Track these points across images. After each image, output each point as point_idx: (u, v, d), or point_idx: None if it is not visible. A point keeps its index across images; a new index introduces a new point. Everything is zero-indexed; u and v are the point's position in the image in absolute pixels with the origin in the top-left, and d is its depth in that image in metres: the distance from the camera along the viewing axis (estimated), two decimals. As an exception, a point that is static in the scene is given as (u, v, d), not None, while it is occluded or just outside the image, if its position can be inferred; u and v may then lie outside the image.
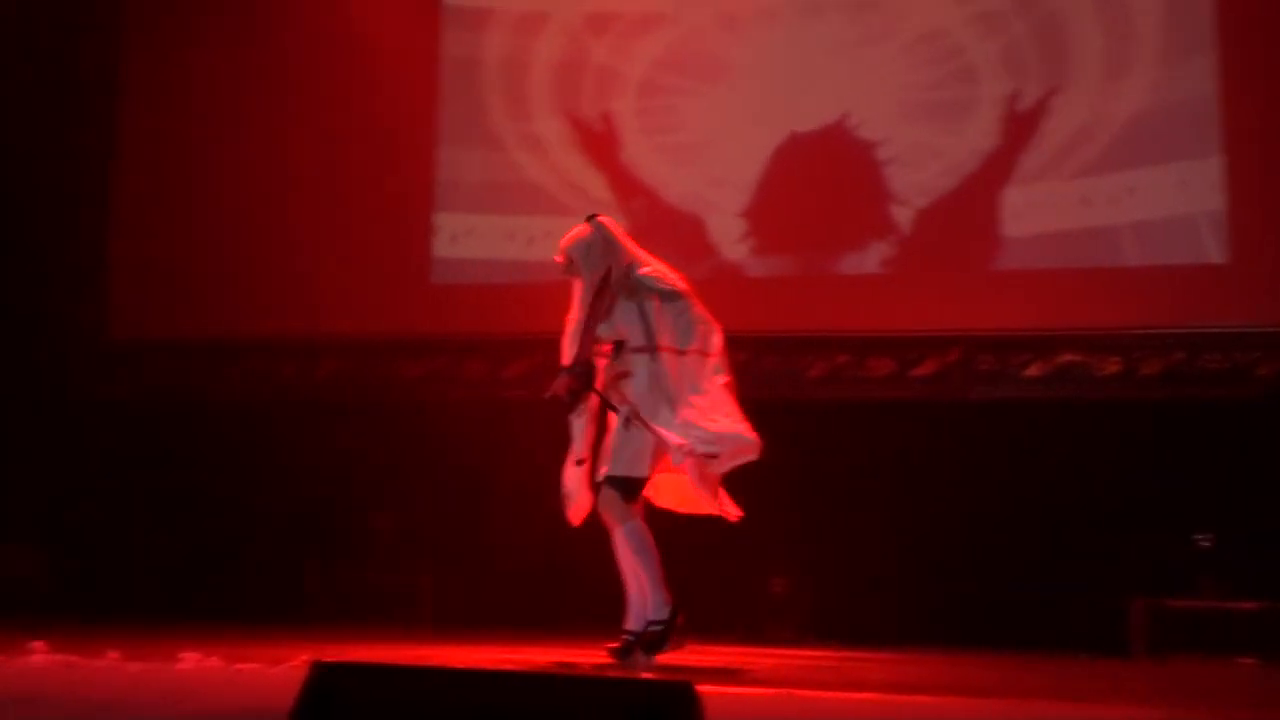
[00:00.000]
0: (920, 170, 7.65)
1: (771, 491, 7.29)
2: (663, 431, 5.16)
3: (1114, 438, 7.15)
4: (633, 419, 5.18)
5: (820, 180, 7.78)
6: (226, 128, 8.37)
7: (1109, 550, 6.86)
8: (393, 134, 8.21)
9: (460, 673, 3.46)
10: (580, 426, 5.31)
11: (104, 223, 8.60)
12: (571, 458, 5.31)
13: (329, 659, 3.18)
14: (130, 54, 8.67)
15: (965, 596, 7.00)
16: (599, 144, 8.05)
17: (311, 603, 7.58)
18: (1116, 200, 7.39)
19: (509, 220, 8.08)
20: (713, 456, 5.21)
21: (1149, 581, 6.73)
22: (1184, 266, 7.29)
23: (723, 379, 5.32)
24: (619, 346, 5.29)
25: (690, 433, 5.17)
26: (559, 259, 5.39)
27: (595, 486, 5.27)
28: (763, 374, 7.59)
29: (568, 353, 5.32)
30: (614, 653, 5.20)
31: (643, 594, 5.26)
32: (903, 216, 7.67)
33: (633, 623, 5.27)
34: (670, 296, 5.31)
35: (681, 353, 5.27)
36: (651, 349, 5.25)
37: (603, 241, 5.34)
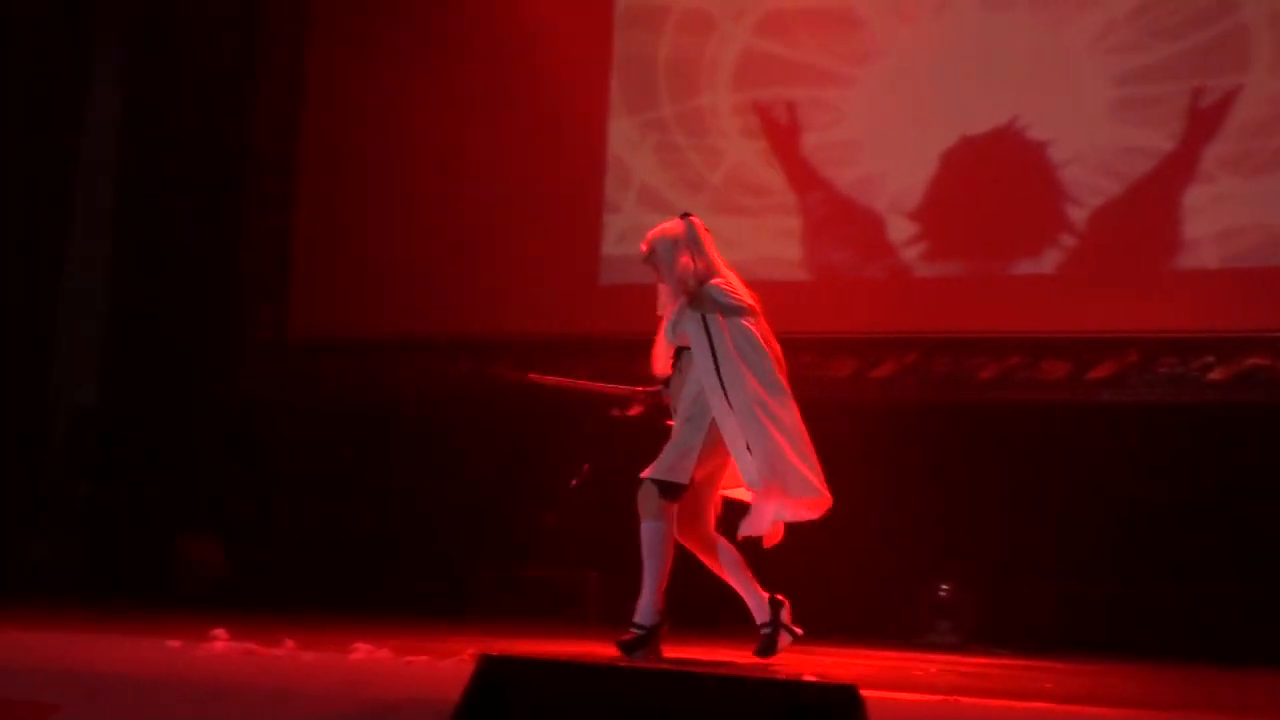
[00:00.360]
0: (1097, 169, 7.46)
1: (939, 493, 7.22)
2: (739, 453, 5.14)
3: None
4: (687, 428, 5.19)
5: (994, 181, 7.64)
6: (403, 131, 8.53)
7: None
8: (563, 134, 8.29)
9: (625, 670, 3.48)
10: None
11: (287, 225, 8.84)
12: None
13: (496, 653, 3.22)
14: (312, 60, 8.90)
15: (1146, 604, 6.81)
16: (777, 138, 8.01)
17: (480, 597, 7.69)
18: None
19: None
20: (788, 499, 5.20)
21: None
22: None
23: (791, 402, 5.26)
24: (680, 354, 5.32)
25: (778, 470, 5.14)
26: (644, 248, 5.41)
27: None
28: (933, 375, 7.49)
29: (658, 360, 5.38)
30: (621, 645, 5.21)
31: (751, 593, 5.35)
32: (1077, 216, 7.50)
33: (758, 616, 5.34)
34: (734, 311, 5.28)
35: (744, 367, 5.22)
36: (713, 361, 5.21)
37: (689, 241, 5.34)
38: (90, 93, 8.85)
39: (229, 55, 8.86)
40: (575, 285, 8.24)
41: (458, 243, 8.35)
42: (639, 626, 5.36)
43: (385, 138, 8.59)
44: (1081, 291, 7.43)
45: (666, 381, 5.43)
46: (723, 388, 5.17)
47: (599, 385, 5.76)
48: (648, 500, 5.31)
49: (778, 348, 5.35)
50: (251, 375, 8.77)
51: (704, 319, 5.26)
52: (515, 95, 8.36)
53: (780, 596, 5.38)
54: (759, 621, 5.39)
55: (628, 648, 5.33)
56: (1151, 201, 7.39)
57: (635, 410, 5.49)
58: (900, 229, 7.77)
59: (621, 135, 8.26)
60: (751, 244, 7.86)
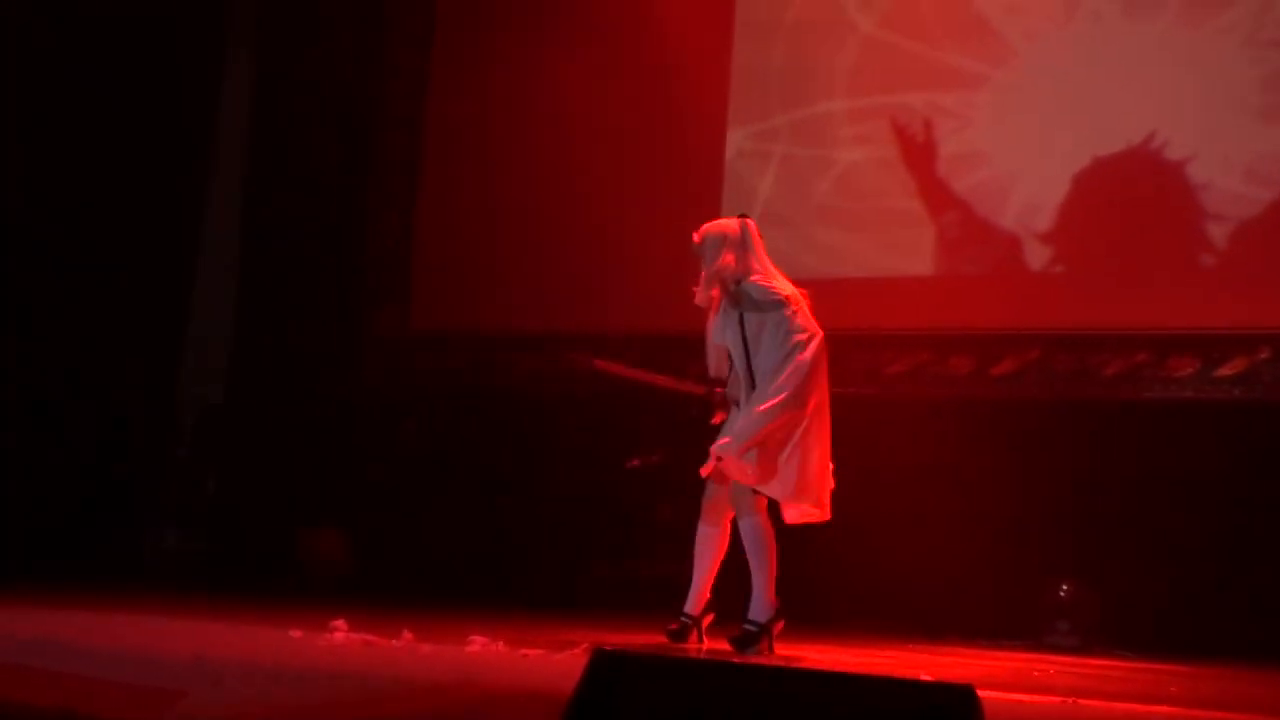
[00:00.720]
0: (1240, 179, 7.21)
1: (1060, 491, 7.10)
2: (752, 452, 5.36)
3: None
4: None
5: (1131, 198, 7.42)
6: (523, 131, 8.59)
7: None
8: (684, 135, 8.26)
9: (739, 667, 3.48)
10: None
11: (409, 222, 8.95)
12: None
13: (610, 646, 3.23)
14: (436, 61, 9.00)
15: (1277, 607, 6.63)
16: (907, 145, 7.89)
17: (594, 590, 7.72)
18: None
19: (794, 229, 8.03)
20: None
21: None
22: None
23: (818, 407, 5.42)
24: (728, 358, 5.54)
25: (784, 475, 5.38)
26: (696, 239, 5.59)
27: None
28: (1055, 372, 7.37)
29: (711, 361, 5.64)
30: (734, 641, 5.40)
31: (702, 588, 5.56)
32: (1217, 232, 7.26)
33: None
34: (770, 306, 5.42)
35: (776, 372, 5.36)
36: (746, 362, 5.41)
37: (738, 242, 5.53)
38: (220, 96, 9.03)
39: (355, 56, 8.99)
40: (690, 284, 8.20)
41: (577, 240, 8.39)
42: (752, 623, 5.41)
43: (506, 137, 8.65)
44: (1211, 287, 7.25)
45: (722, 381, 5.62)
46: (753, 388, 5.36)
47: (665, 379, 5.94)
48: (740, 499, 5.48)
49: (820, 334, 5.47)
50: (373, 370, 8.89)
51: (740, 319, 5.45)
52: (638, 90, 8.35)
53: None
54: (693, 612, 5.59)
55: (740, 644, 5.38)
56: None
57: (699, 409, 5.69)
58: (1033, 248, 7.57)
59: (739, 139, 8.22)
60: (866, 248, 7.78)
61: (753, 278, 5.51)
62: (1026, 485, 7.02)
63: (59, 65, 8.26)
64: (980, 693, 2.83)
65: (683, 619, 5.61)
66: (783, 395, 5.34)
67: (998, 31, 7.74)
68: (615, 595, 7.55)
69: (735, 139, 8.24)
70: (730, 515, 5.58)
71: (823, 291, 7.66)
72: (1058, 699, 4.47)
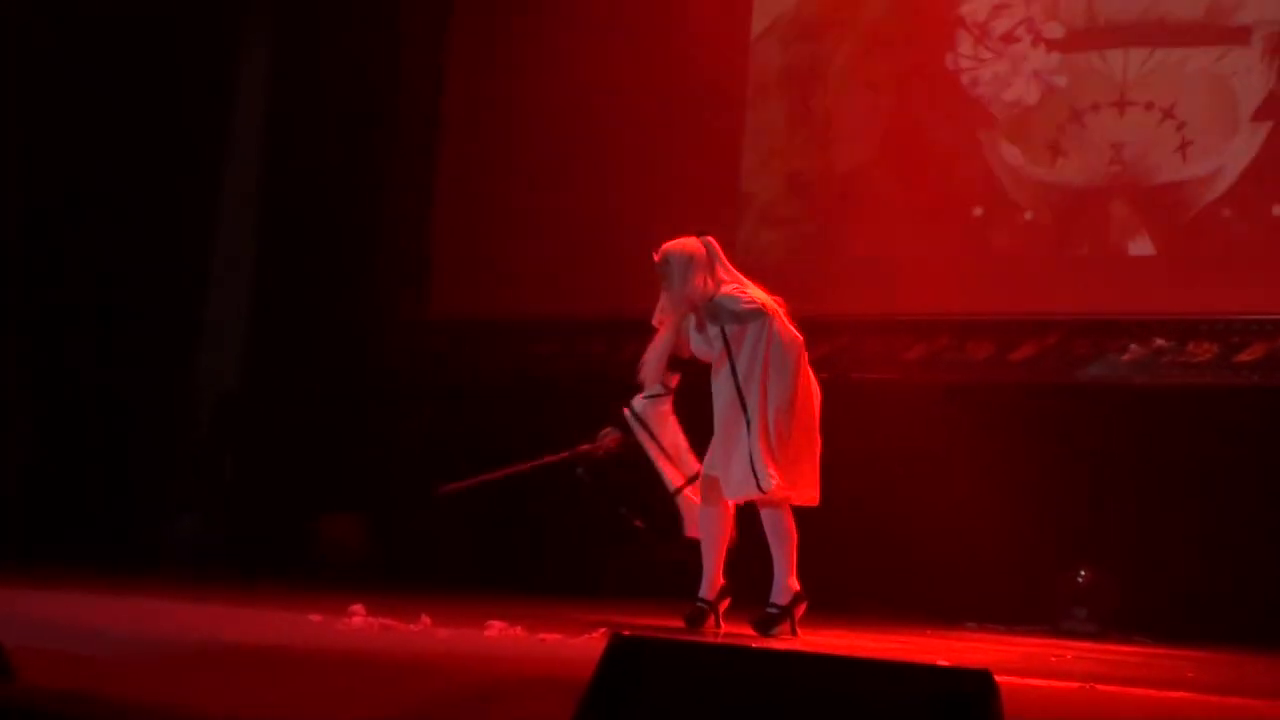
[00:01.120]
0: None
1: (1077, 477, 7.08)
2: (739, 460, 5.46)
3: None
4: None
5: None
6: (543, 111, 8.58)
7: None
8: (702, 119, 8.23)
9: (758, 651, 3.48)
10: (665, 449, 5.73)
11: (428, 205, 8.96)
12: (681, 477, 5.72)
13: (628, 631, 3.23)
14: (455, 42, 8.98)
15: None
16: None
17: (611, 576, 7.73)
18: None
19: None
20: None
21: None
22: None
23: (803, 406, 5.51)
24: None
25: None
26: (657, 258, 5.63)
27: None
28: (1074, 358, 7.35)
29: (650, 371, 5.73)
30: (756, 624, 5.49)
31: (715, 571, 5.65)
32: (1237, 218, 7.23)
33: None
34: (748, 317, 5.48)
35: (761, 380, 5.44)
36: (732, 373, 5.47)
37: (704, 263, 5.58)
38: (237, 80, 9.04)
39: (372, 39, 8.98)
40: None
41: (595, 224, 8.37)
42: (774, 606, 5.46)
43: (523, 121, 8.64)
44: (1230, 272, 7.23)
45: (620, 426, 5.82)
46: (740, 400, 5.43)
47: (529, 466, 6.03)
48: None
49: (799, 338, 5.56)
50: (391, 355, 8.91)
51: (723, 331, 5.51)
52: (660, 78, 8.31)
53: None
54: (708, 596, 5.67)
55: (762, 627, 5.43)
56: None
57: (597, 456, 5.93)
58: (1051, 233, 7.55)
59: (759, 121, 8.19)
60: (884, 232, 7.77)
61: (725, 289, 5.59)
62: (1044, 470, 7.01)
63: (80, 61, 8.34)
64: (997, 678, 2.83)
65: (699, 604, 5.63)
66: (775, 408, 5.44)
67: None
68: (634, 581, 7.55)
69: (754, 121, 8.21)
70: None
71: (834, 276, 7.72)
72: (1075, 684, 4.47)
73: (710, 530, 5.68)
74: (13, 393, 8.30)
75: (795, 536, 5.54)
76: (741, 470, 5.45)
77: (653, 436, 5.78)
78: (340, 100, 8.93)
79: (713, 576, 5.67)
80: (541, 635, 5.20)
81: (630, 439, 5.83)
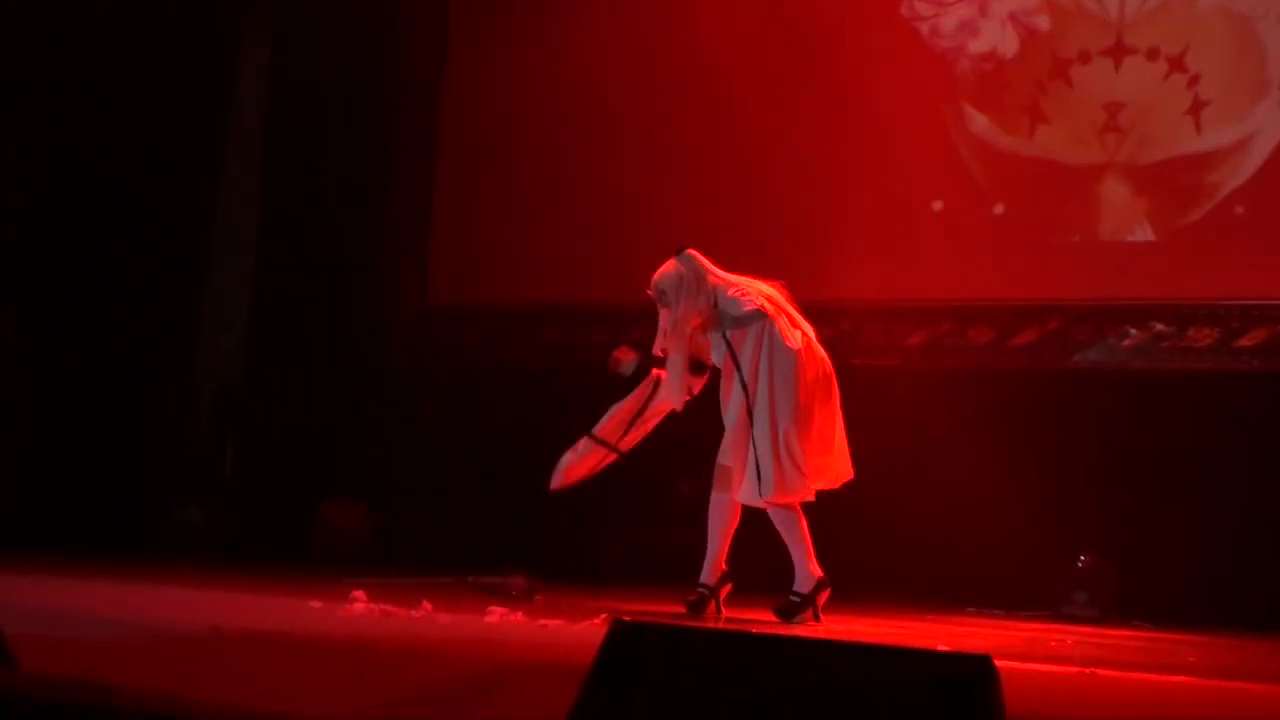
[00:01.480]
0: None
1: (1079, 462, 7.08)
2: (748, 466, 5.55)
3: None
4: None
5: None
6: (543, 101, 8.55)
7: None
8: (705, 103, 8.21)
9: (758, 637, 3.48)
10: (626, 415, 5.90)
11: (428, 193, 8.95)
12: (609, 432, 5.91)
13: (629, 617, 3.24)
14: (456, 30, 8.96)
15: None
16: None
17: (614, 563, 7.74)
18: None
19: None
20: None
21: None
22: None
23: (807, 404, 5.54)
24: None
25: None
26: (650, 292, 5.75)
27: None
28: (1075, 343, 7.35)
29: (675, 391, 5.76)
30: (777, 611, 5.56)
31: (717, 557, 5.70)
32: (1240, 204, 7.17)
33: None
34: (746, 320, 5.57)
35: (768, 384, 5.50)
36: (739, 378, 5.54)
37: (693, 276, 5.68)
38: (237, 68, 9.02)
39: (372, 28, 8.96)
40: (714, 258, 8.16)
41: (596, 213, 8.36)
42: (796, 594, 5.48)
43: (524, 111, 8.61)
44: (1231, 257, 7.21)
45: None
46: (748, 406, 5.50)
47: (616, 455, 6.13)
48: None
49: (806, 331, 5.63)
50: (392, 344, 8.90)
51: (726, 338, 5.61)
52: (655, 66, 8.27)
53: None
54: (709, 583, 5.70)
55: (784, 614, 5.46)
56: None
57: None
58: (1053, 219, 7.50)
59: (758, 103, 8.16)
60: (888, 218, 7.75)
61: (728, 293, 5.67)
62: (1045, 456, 7.01)
63: (81, 61, 8.36)
64: (997, 663, 2.83)
65: (700, 590, 5.65)
66: (785, 410, 5.49)
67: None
68: (635, 567, 7.56)
69: (754, 104, 8.17)
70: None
71: (839, 262, 7.69)
72: (1075, 669, 4.48)
73: (717, 514, 5.71)
74: (14, 381, 8.31)
75: (804, 523, 5.57)
76: (749, 478, 5.50)
77: (641, 401, 5.88)
78: (341, 90, 8.91)
79: (715, 563, 5.70)
80: (542, 621, 5.21)
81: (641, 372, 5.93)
